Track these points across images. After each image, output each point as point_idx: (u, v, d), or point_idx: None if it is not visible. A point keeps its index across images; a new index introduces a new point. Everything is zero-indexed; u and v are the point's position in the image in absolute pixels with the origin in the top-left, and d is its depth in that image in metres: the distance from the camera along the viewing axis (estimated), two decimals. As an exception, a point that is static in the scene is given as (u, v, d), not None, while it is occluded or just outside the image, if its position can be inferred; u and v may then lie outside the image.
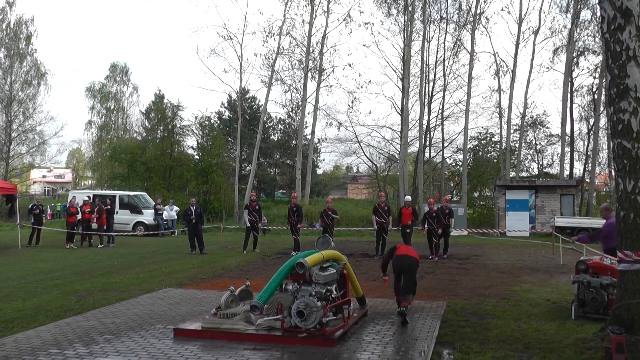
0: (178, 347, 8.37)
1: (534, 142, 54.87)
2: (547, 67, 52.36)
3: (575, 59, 44.31)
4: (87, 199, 28.58)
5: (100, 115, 70.67)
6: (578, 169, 50.71)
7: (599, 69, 42.38)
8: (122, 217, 34.09)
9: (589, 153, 46.48)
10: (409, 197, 24.77)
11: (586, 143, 48.84)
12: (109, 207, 27.36)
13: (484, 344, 8.75)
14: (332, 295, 9.24)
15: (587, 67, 56.23)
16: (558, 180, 38.87)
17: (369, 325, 9.86)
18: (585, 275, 10.97)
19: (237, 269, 18.23)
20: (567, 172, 44.09)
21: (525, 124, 47.94)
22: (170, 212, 35.29)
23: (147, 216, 35.08)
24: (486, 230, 31.12)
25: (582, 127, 50.25)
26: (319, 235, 10.64)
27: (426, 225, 22.06)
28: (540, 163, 55.75)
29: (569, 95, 43.93)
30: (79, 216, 27.47)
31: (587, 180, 45.24)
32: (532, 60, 43.36)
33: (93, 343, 8.62)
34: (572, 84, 45.15)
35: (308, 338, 8.53)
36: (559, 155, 44.59)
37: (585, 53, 44.85)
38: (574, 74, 45.16)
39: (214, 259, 21.34)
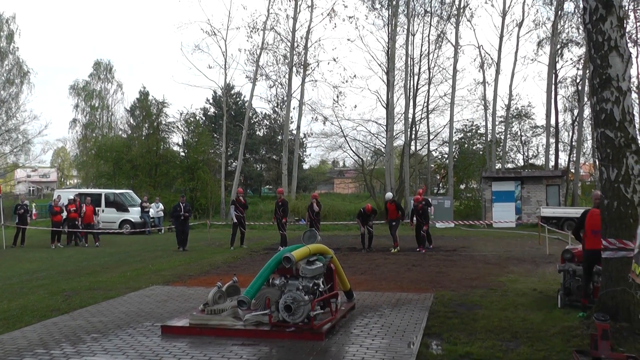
0: (166, 344, 8.38)
1: (519, 133, 55.15)
2: (532, 59, 52.44)
3: (559, 51, 44.44)
4: (72, 198, 28.44)
5: (85, 113, 70.30)
6: (563, 159, 50.97)
7: (582, 60, 42.49)
8: (108, 215, 33.96)
9: (573, 144, 46.66)
10: (390, 194, 24.78)
11: (570, 134, 49.04)
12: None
13: (472, 335, 8.81)
14: (320, 289, 9.28)
15: (571, 59, 56.72)
16: (543, 171, 39.04)
17: (357, 319, 9.90)
18: (571, 264, 11.07)
19: (224, 265, 18.24)
20: (552, 163, 44.22)
21: (510, 115, 48.12)
22: (156, 210, 35.18)
23: (134, 214, 34.93)
24: (473, 222, 31.20)
25: (567, 118, 50.47)
26: (306, 230, 10.64)
27: (414, 220, 22.15)
28: (526, 154, 56.05)
29: (553, 86, 44.06)
30: (65, 215, 27.33)
31: (572, 170, 45.39)
32: (516, 52, 43.44)
33: (80, 342, 8.60)
34: (556, 76, 45.29)
35: (296, 332, 8.55)
36: (544, 146, 44.78)
37: (569, 45, 44.97)
38: (558, 66, 45.31)
39: (201, 255, 21.31)
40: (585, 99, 42.47)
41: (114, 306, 11.48)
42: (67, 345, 8.42)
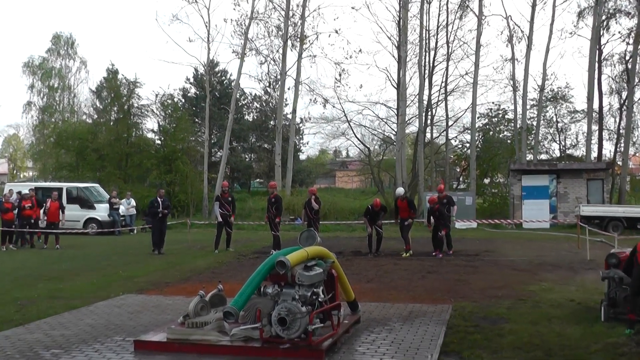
0: (139, 362, 8.39)
1: (554, 119, 54.97)
2: (570, 33, 52.09)
3: (604, 23, 44.28)
4: (27, 192, 28.44)
5: (42, 95, 70.07)
6: (608, 149, 50.86)
7: (632, 34, 42.37)
8: (71, 213, 33.86)
9: (621, 131, 46.60)
10: (401, 189, 24.80)
11: (617, 120, 48.97)
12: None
13: (497, 353, 8.84)
14: (319, 299, 9.22)
15: (619, 32, 56.09)
16: (584, 163, 39.04)
17: (362, 334, 9.93)
18: (617, 271, 10.97)
19: (208, 271, 18.30)
20: (594, 154, 44.21)
21: (544, 98, 47.89)
22: (127, 207, 35.20)
23: (101, 212, 34.94)
24: (499, 222, 31.24)
25: (613, 102, 50.34)
26: (303, 230, 10.64)
27: (432, 221, 22.18)
28: (563, 143, 55.90)
29: (596, 64, 43.88)
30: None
31: (619, 162, 45.37)
32: (551, 24, 43.19)
33: (38, 359, 8.63)
34: (601, 52, 45.15)
35: (291, 349, 8.55)
36: (585, 134, 44.66)
37: (617, 15, 44.82)
38: (603, 40, 45.17)
39: (181, 260, 21.37)
40: (636, 79, 42.43)
41: (78, 317, 11.50)
42: (22, 363, 8.44)
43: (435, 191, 23.43)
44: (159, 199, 24.40)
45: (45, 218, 27.18)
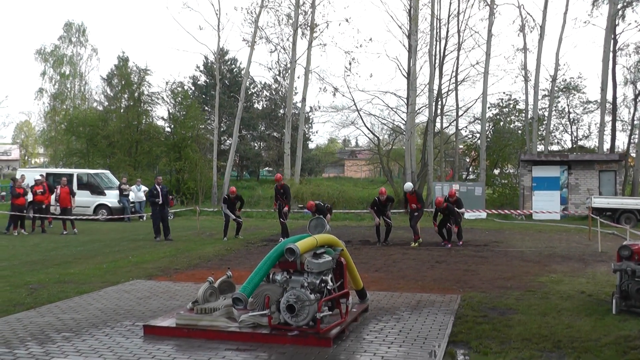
0: (149, 346, 8.44)
1: (566, 110, 54.80)
2: (584, 22, 52.20)
3: (620, 12, 43.98)
4: (39, 178, 28.54)
5: (53, 82, 70.17)
6: (621, 141, 50.87)
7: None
8: (82, 199, 33.98)
9: (635, 122, 46.38)
10: (409, 184, 24.57)
11: (632, 111, 48.75)
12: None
13: (505, 343, 8.83)
14: (328, 287, 9.25)
15: (635, 21, 55.94)
16: (596, 155, 38.87)
17: (370, 322, 9.94)
18: (630, 263, 10.87)
19: (217, 258, 18.34)
20: (607, 145, 43.95)
21: (556, 88, 47.69)
22: (137, 193, 35.27)
23: (111, 198, 35.06)
24: (508, 213, 31.18)
25: (627, 92, 50.16)
26: (312, 218, 10.63)
27: (438, 219, 22.17)
28: (575, 134, 55.76)
29: (611, 54, 43.61)
30: (29, 198, 27.47)
31: (633, 154, 45.15)
32: (565, 13, 42.99)
33: (49, 341, 8.69)
34: (616, 42, 44.88)
35: (299, 337, 8.58)
36: (598, 125, 44.46)
37: (634, 4, 44.47)
38: (618, 30, 44.85)
39: (189, 246, 21.43)
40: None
41: (88, 302, 11.57)
42: (33, 345, 8.51)
43: (445, 181, 23.30)
44: (157, 187, 24.42)
45: (58, 205, 27.31)
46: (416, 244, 21.64)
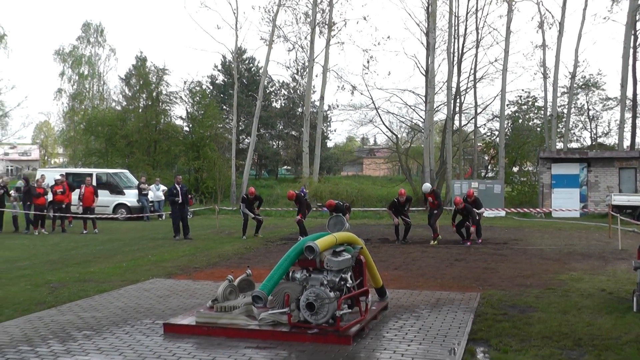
0: (169, 344, 8.47)
1: (586, 107, 54.59)
2: (604, 18, 51.67)
3: (641, 7, 43.69)
4: (59, 178, 28.69)
5: (72, 82, 70.61)
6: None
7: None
8: (101, 198, 33.96)
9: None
10: (427, 185, 24.33)
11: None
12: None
13: (525, 341, 8.80)
14: (347, 285, 9.24)
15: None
16: (616, 152, 38.61)
17: (390, 320, 9.94)
18: (651, 260, 10.88)
19: (236, 257, 18.39)
20: (627, 142, 43.67)
21: (575, 85, 47.50)
22: (156, 193, 35.39)
23: (130, 197, 35.22)
24: (527, 211, 31.07)
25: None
26: (331, 216, 10.63)
27: (456, 220, 22.11)
28: (594, 131, 55.52)
29: (631, 50, 43.29)
30: (49, 197, 27.63)
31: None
32: (584, 9, 42.72)
33: (70, 339, 8.74)
34: (636, 38, 44.50)
35: (319, 334, 8.59)
36: (618, 122, 44.21)
37: (656, -2, 44.13)
38: (639, 25, 44.57)
39: (208, 245, 21.48)
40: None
41: (109, 300, 11.63)
42: (55, 343, 8.56)
43: (464, 179, 23.23)
44: (177, 186, 24.47)
45: (81, 204, 27.45)
46: (435, 242, 21.60)
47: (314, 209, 27.31)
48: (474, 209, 21.84)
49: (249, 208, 24.18)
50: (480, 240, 21.78)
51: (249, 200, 24.30)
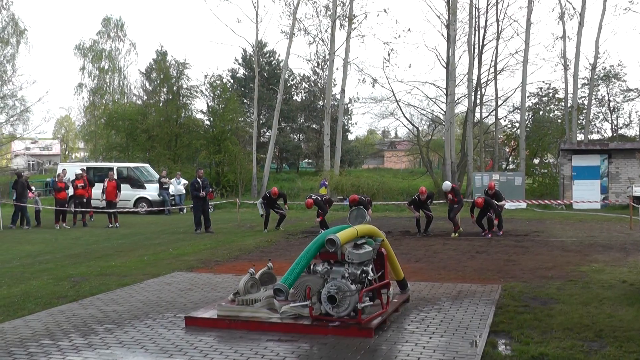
0: (191, 337, 8.50)
1: (606, 98, 54.27)
2: (625, 9, 51.16)
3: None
4: (80, 172, 28.84)
5: (93, 76, 70.91)
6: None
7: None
8: (122, 192, 34.23)
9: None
10: (448, 183, 24.43)
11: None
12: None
13: (547, 333, 8.77)
14: (369, 278, 9.22)
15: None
16: (637, 143, 38.40)
17: (412, 313, 9.93)
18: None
19: (257, 250, 18.42)
20: (648, 134, 43.41)
21: (596, 77, 47.30)
22: (177, 187, 35.50)
23: (151, 191, 35.37)
24: (548, 203, 30.93)
25: (670, 79, 49.40)
26: (352, 209, 10.61)
27: (475, 213, 21.99)
28: (615, 123, 55.19)
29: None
30: (70, 192, 27.79)
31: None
32: (605, 0, 42.65)
33: (92, 333, 8.78)
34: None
35: (341, 327, 8.58)
36: (639, 113, 44.01)
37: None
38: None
39: (230, 239, 21.54)
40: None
41: (130, 294, 11.69)
42: (76, 336, 8.61)
43: (485, 171, 23.14)
44: (198, 180, 24.49)
45: (104, 197, 27.60)
46: (456, 234, 21.54)
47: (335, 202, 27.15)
48: (495, 201, 21.74)
49: (271, 206, 24.18)
50: (501, 233, 21.66)
51: (271, 199, 24.33)
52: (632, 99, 52.43)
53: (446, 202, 23.25)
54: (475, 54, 45.64)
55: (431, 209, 22.83)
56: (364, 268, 9.11)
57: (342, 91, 46.20)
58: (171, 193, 35.40)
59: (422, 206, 22.42)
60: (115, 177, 33.58)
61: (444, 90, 45.51)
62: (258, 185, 43.01)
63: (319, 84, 62.06)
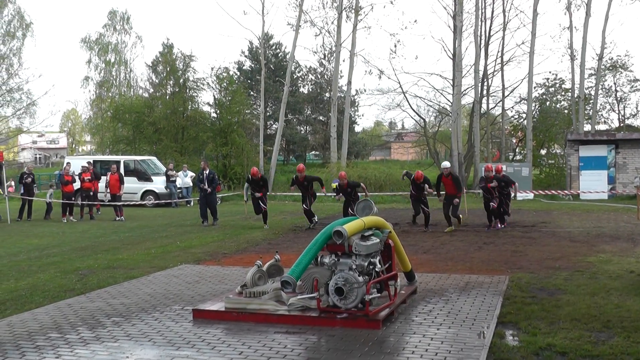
0: (198, 330, 8.51)
1: (613, 88, 54.13)
2: (632, -1, 51.21)
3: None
4: (86, 165, 28.86)
5: (99, 69, 70.99)
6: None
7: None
8: (129, 185, 34.06)
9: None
10: (447, 163, 22.51)
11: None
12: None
13: (554, 324, 8.77)
14: (376, 269, 9.20)
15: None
16: (644, 133, 38.33)
17: (419, 304, 9.93)
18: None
19: (264, 242, 18.45)
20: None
21: (602, 67, 47.14)
22: (184, 179, 35.53)
23: (158, 184, 35.36)
24: (555, 193, 30.90)
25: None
26: (360, 200, 10.60)
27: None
28: (622, 113, 55.06)
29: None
30: (77, 185, 27.83)
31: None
32: (611, -10, 42.50)
33: (99, 326, 8.80)
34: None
35: (348, 319, 8.59)
36: (646, 103, 43.84)
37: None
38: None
39: (237, 231, 21.55)
40: None
41: (138, 287, 11.71)
42: (84, 330, 8.63)
43: (492, 162, 22.77)
44: (204, 172, 24.39)
45: (108, 191, 27.64)
46: (450, 229, 20.54)
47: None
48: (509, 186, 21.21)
49: (254, 189, 23.11)
50: (503, 225, 21.19)
51: (253, 181, 23.08)
52: (639, 89, 52.28)
53: (439, 191, 21.30)
54: (482, 45, 45.58)
55: (428, 204, 21.80)
56: (372, 260, 9.10)
57: (349, 83, 46.24)
58: (178, 186, 35.43)
59: (419, 195, 21.58)
60: (122, 170, 33.73)
61: (451, 82, 45.48)
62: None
63: (325, 76, 61.97)
